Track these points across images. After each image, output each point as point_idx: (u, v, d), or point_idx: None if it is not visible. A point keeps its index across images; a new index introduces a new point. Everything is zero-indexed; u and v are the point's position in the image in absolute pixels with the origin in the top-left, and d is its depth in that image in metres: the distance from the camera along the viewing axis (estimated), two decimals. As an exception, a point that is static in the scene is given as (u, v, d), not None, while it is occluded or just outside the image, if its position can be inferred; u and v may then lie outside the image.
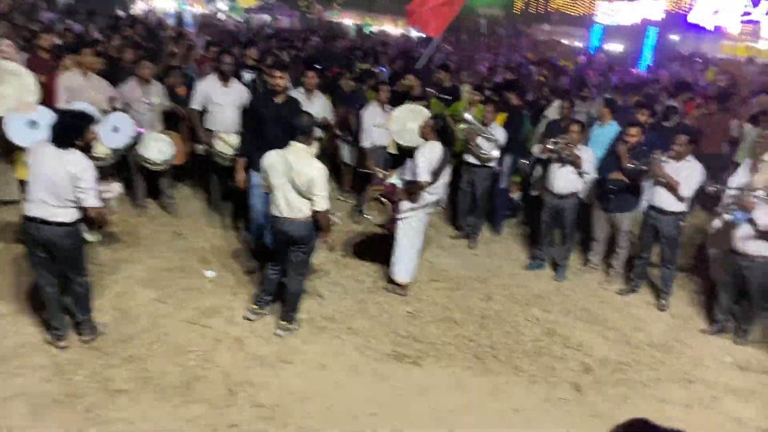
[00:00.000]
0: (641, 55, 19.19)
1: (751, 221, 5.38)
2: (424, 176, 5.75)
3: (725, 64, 14.49)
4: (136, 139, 6.52)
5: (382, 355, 5.07)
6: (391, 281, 6.16)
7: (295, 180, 4.72)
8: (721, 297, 5.91)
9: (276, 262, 5.22)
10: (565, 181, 6.59)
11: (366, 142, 7.45)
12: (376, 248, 6.86)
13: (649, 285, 6.77)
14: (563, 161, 6.51)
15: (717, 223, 6.01)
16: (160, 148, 6.80)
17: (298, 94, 7.55)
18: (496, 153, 6.94)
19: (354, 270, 6.58)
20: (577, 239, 7.66)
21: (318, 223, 4.88)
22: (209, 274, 6.03)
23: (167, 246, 6.55)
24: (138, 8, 22.39)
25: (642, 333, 5.87)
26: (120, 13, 17.41)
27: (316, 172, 4.70)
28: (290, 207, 4.83)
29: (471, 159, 7.09)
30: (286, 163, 4.74)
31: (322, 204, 4.76)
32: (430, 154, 5.76)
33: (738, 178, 6.05)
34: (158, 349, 4.76)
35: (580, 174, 6.53)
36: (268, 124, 5.77)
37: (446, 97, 8.09)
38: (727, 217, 5.61)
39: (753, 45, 18.68)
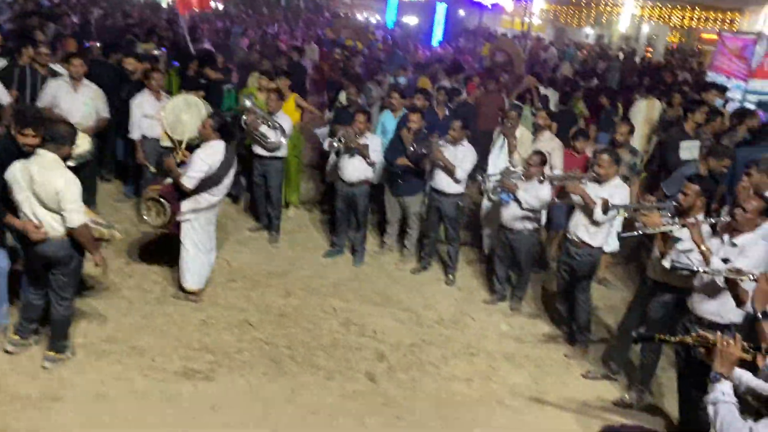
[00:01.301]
0: (433, 30, 20.17)
1: (516, 200, 5.89)
2: (187, 181, 5.40)
3: (501, 41, 15.68)
4: None
5: (170, 374, 4.77)
6: (182, 288, 5.82)
7: (40, 193, 4.17)
8: (497, 269, 6.42)
9: (37, 284, 4.62)
10: (355, 169, 6.67)
11: (135, 134, 6.92)
12: (165, 251, 6.43)
13: (439, 262, 7.17)
14: (351, 151, 6.57)
15: (486, 203, 6.51)
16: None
17: (62, 83, 6.78)
18: (283, 145, 6.80)
19: (140, 278, 6.12)
20: (373, 222, 7.89)
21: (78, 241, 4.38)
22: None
23: None
24: None
25: (432, 311, 6.20)
26: None
27: (64, 183, 4.17)
28: (40, 225, 4.26)
29: (260, 150, 6.88)
30: (28, 175, 4.17)
31: (74, 219, 4.23)
32: (209, 156, 5.45)
33: (494, 158, 6.62)
34: None
35: (369, 163, 6.66)
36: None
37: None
38: (494, 198, 6.10)
39: (527, 21, 20.58)
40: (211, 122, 5.54)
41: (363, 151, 6.53)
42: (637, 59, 19.33)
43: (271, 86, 7.41)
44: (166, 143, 7.04)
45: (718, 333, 2.67)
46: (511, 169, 6.05)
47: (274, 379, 4.86)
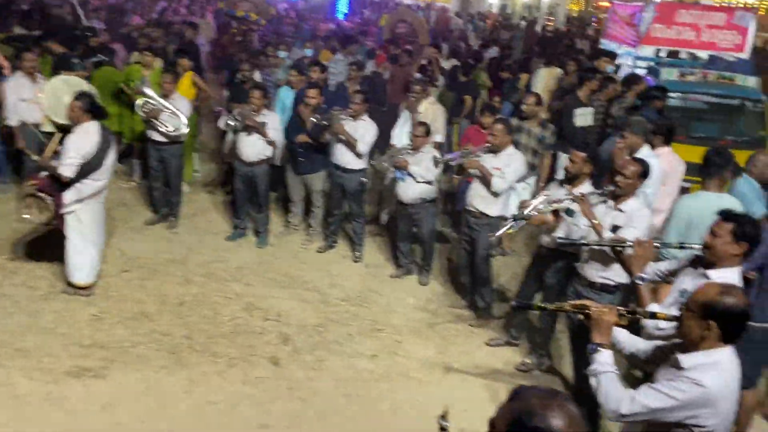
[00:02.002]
0: (337, 2, 19.85)
1: (410, 175, 5.88)
2: (65, 170, 5.05)
3: (401, 12, 15.54)
4: None
5: (59, 374, 4.49)
6: (71, 284, 5.48)
7: None
8: (400, 244, 6.43)
9: None
10: (253, 148, 6.47)
11: (12, 120, 6.42)
12: (53, 244, 6.02)
13: (346, 239, 7.11)
14: (248, 130, 6.35)
15: (389, 179, 6.49)
16: None
17: None
18: (185, 128, 6.48)
19: (26, 275, 5.73)
20: (277, 202, 7.72)
21: None
22: None
23: None
24: None
25: (338, 289, 6.14)
26: None
27: None
28: None
29: (157, 137, 6.53)
30: None
31: None
32: (83, 142, 5.10)
33: (398, 133, 6.61)
34: None
35: (268, 141, 6.46)
36: None
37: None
38: (391, 175, 6.09)
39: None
40: (79, 104, 5.13)
41: (260, 129, 6.33)
42: (539, 28, 19.79)
43: (155, 62, 7.03)
44: (48, 128, 6.58)
45: (592, 302, 2.71)
46: (397, 147, 6.05)
47: (172, 371, 4.67)
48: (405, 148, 5.93)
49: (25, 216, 5.27)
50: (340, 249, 6.96)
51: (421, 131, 5.90)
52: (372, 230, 7.32)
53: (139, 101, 6.51)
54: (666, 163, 5.31)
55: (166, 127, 6.44)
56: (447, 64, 10.05)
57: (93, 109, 5.16)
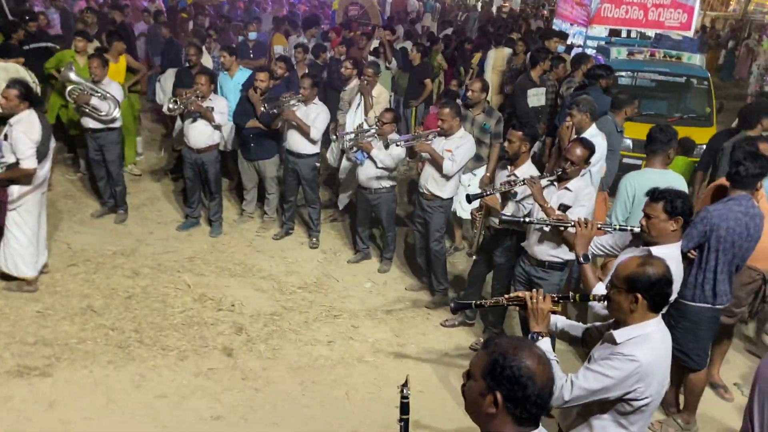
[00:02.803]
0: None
1: (371, 159, 5.82)
2: (29, 162, 4.91)
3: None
4: None
5: (1, 374, 4.33)
6: (13, 278, 5.29)
7: None
8: (358, 229, 6.39)
9: None
10: (200, 134, 6.32)
11: None
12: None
13: (302, 225, 7.03)
14: (193, 115, 6.19)
15: (345, 163, 6.41)
16: None
17: None
18: (117, 112, 6.26)
19: (-37, 272, 5.49)
20: (229, 189, 7.59)
21: None
22: None
23: None
24: None
25: (295, 276, 6.08)
26: None
27: None
28: None
29: (92, 124, 6.31)
30: None
31: None
32: (30, 130, 4.91)
33: (351, 116, 6.53)
34: None
35: (216, 127, 6.31)
36: None
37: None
38: (352, 158, 6.00)
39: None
40: (15, 92, 4.89)
41: (207, 114, 6.18)
42: (494, 9, 19.84)
43: (89, 48, 6.80)
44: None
45: (525, 292, 2.73)
46: (365, 127, 5.95)
47: (121, 366, 4.56)
48: (371, 132, 5.82)
49: None
50: (297, 235, 6.88)
51: (389, 118, 5.80)
52: (329, 215, 7.26)
53: (68, 87, 6.27)
54: None
55: (99, 112, 6.22)
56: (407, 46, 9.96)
57: (30, 97, 4.96)
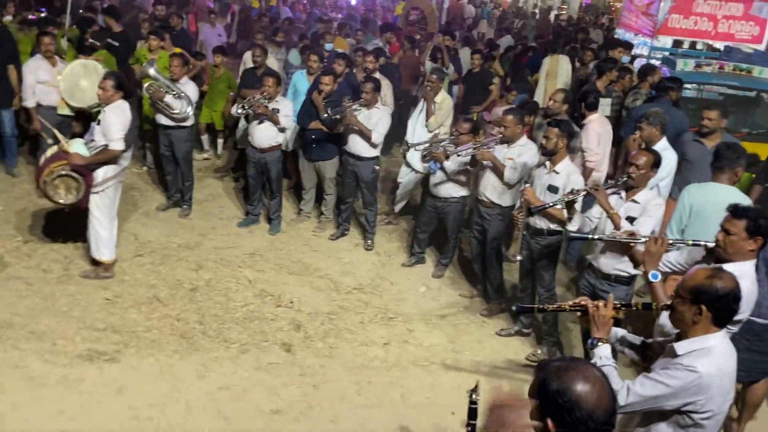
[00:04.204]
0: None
1: (442, 169, 5.85)
2: (118, 144, 5.22)
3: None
4: None
5: (72, 357, 4.53)
6: (93, 263, 5.55)
7: None
8: (419, 234, 6.40)
9: None
10: (265, 135, 6.46)
11: (30, 102, 6.46)
12: (66, 226, 6.09)
13: (358, 226, 7.11)
14: (259, 117, 6.35)
15: (404, 169, 6.46)
16: None
17: None
18: (189, 111, 6.47)
19: (40, 258, 5.77)
20: (289, 188, 7.73)
21: None
22: None
23: None
24: None
25: (350, 277, 6.15)
26: None
27: None
28: None
29: (164, 120, 6.54)
30: None
31: None
32: (120, 117, 5.23)
33: (413, 122, 6.59)
34: None
35: (280, 129, 6.45)
36: None
37: (114, 43, 7.36)
38: (422, 167, 6.08)
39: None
40: (110, 83, 5.26)
41: (272, 117, 6.32)
42: (552, 17, 19.61)
43: (162, 46, 7.05)
44: (64, 111, 6.62)
45: (588, 299, 2.72)
46: (440, 136, 5.98)
47: (185, 356, 4.71)
48: (445, 141, 5.84)
49: (54, 199, 5.26)
50: (352, 237, 6.97)
51: (466, 128, 5.81)
52: (384, 218, 7.32)
53: (145, 83, 6.52)
54: (598, 126, 6.08)
55: (171, 109, 6.44)
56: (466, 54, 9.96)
57: (123, 88, 5.29)
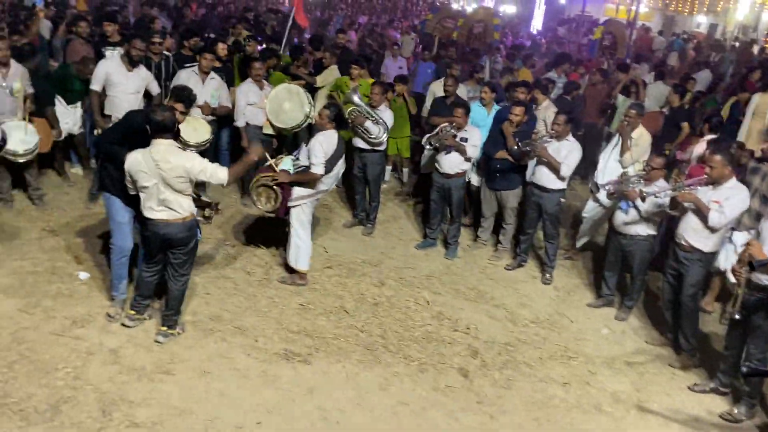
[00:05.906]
0: (532, 18, 19.64)
1: (635, 207, 5.62)
2: (318, 168, 5.66)
3: (610, 24, 14.99)
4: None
5: (271, 355, 4.94)
6: (289, 270, 6.03)
7: (168, 178, 4.43)
8: (607, 274, 6.16)
9: (152, 262, 4.91)
10: (451, 162, 6.62)
11: (240, 122, 7.21)
12: (267, 235, 6.69)
13: (535, 259, 7.01)
14: (448, 148, 6.53)
15: (591, 204, 6.27)
16: (22, 138, 6.26)
17: (192, 74, 7.03)
18: (384, 137, 6.83)
19: (244, 261, 6.37)
20: (468, 216, 7.81)
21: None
22: (83, 276, 5.63)
23: (36, 245, 6.06)
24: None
25: (527, 309, 6.08)
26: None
27: (187, 160, 4.48)
28: (167, 208, 4.54)
29: (361, 144, 6.96)
30: (152, 162, 4.41)
31: (220, 176, 4.59)
32: (327, 145, 5.68)
33: (605, 156, 6.38)
34: (21, 369, 4.39)
35: (467, 159, 6.58)
36: None
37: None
38: (610, 204, 5.92)
39: (633, 9, 19.55)
40: (327, 112, 5.77)
41: (460, 148, 6.47)
42: (755, 50, 17.95)
43: (363, 74, 7.51)
44: (269, 131, 7.30)
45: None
46: (630, 174, 5.75)
47: (369, 367, 4.93)
48: (636, 178, 5.64)
49: (256, 204, 5.86)
50: (529, 269, 6.88)
51: (659, 163, 5.59)
52: (564, 253, 7.15)
53: (348, 109, 6.98)
54: None
55: (369, 134, 6.82)
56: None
57: (337, 119, 5.76)
